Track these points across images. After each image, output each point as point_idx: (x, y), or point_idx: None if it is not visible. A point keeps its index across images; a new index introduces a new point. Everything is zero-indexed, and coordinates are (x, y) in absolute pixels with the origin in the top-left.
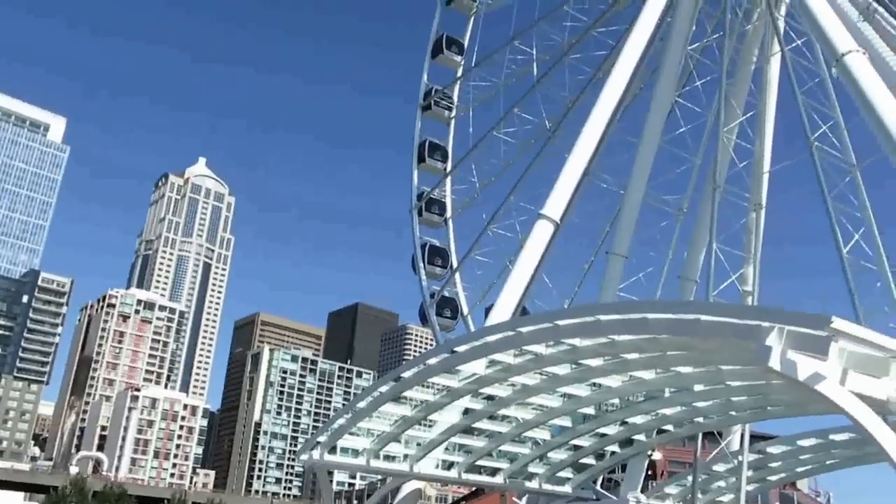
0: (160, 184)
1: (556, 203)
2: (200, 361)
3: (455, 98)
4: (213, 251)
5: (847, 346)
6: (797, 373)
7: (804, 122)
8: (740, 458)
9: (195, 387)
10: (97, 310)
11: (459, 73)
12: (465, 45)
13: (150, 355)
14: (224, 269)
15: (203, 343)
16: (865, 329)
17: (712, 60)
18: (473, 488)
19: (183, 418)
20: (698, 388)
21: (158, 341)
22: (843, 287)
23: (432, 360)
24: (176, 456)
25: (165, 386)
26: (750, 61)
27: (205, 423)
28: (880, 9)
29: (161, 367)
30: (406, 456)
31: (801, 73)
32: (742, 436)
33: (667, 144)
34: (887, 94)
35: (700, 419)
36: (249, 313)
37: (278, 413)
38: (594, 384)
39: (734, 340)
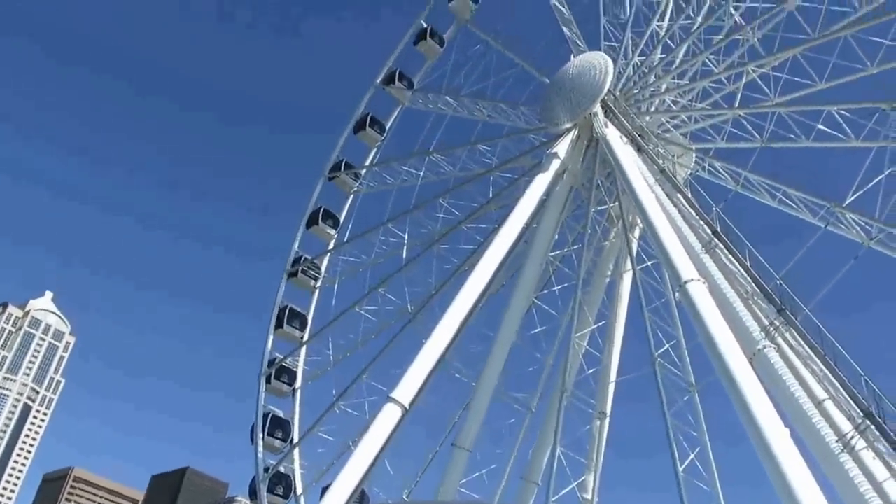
0: None
1: (408, 388)
2: None
3: (323, 269)
4: (37, 392)
5: None
6: None
7: (649, 337)
8: None
9: None
10: None
11: (331, 246)
12: (341, 220)
13: None
14: (45, 414)
15: (2, 495)
16: None
17: (571, 268)
18: None
19: None
20: None
21: None
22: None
23: None
24: None
25: None
26: (605, 274)
27: None
28: (720, 244)
29: None
30: None
31: (649, 292)
32: None
33: (521, 342)
34: (722, 323)
35: None
36: (64, 466)
37: None
38: None
39: None
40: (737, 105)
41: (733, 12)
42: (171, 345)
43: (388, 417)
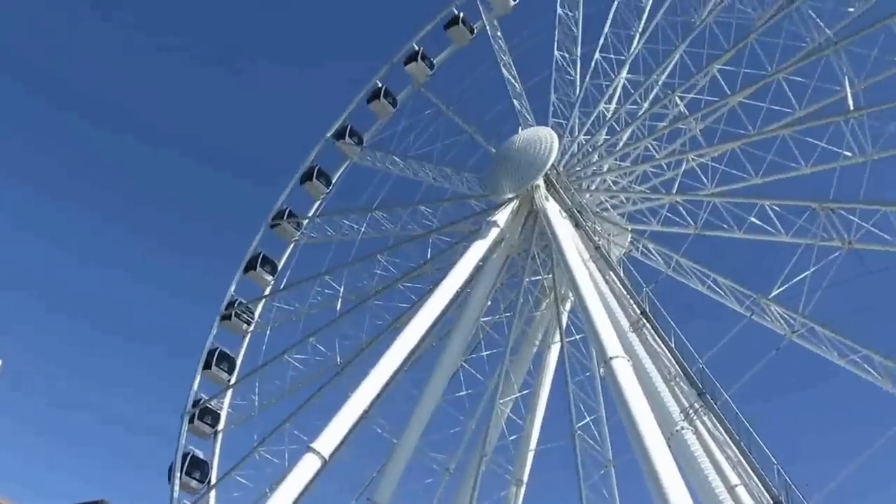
0: None
1: (329, 439)
2: None
3: (256, 314)
4: None
5: None
6: None
7: (571, 410)
8: None
9: None
10: None
11: (267, 292)
12: (279, 268)
13: None
14: None
15: None
16: None
17: (501, 335)
18: None
19: None
20: None
21: None
22: None
23: None
24: None
25: None
26: (533, 343)
27: None
28: (648, 324)
29: None
30: None
31: (575, 365)
32: None
33: (446, 403)
34: (643, 402)
35: None
36: None
37: None
38: None
39: None
40: (674, 191)
41: (678, 102)
42: (94, 377)
43: (306, 467)
